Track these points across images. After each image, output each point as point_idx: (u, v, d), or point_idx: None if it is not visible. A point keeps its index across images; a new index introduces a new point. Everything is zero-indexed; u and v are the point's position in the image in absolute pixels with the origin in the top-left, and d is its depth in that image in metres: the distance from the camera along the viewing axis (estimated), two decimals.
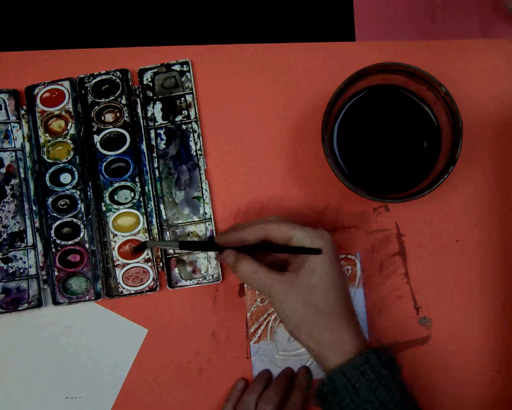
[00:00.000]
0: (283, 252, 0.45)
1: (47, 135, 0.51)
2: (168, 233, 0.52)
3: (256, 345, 0.52)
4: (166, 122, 0.52)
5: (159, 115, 0.52)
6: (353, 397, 0.40)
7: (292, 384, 0.51)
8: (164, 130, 0.52)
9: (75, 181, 0.51)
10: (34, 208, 0.52)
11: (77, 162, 0.51)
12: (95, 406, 0.52)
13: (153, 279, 0.51)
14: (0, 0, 0.54)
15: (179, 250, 0.51)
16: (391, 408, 0.40)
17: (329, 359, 0.42)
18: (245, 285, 0.52)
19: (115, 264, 0.51)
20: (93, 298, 0.51)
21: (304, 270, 0.43)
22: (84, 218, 0.51)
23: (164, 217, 0.52)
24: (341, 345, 0.42)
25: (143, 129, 0.52)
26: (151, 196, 0.52)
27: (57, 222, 0.51)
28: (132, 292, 0.51)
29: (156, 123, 0.52)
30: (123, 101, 0.51)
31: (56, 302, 0.51)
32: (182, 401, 0.52)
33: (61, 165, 0.51)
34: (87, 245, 0.51)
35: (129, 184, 0.51)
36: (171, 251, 0.52)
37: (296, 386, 0.50)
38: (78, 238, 0.51)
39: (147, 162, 0.52)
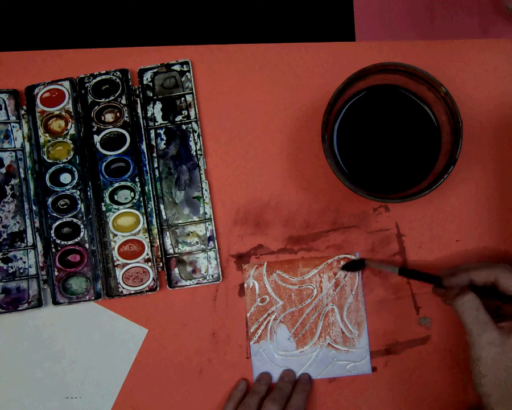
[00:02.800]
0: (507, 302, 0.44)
1: (47, 135, 0.51)
2: (168, 233, 0.52)
3: (256, 345, 0.52)
4: (166, 122, 0.52)
5: (158, 115, 0.52)
6: None
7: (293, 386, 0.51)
8: (164, 130, 0.52)
9: (75, 181, 0.51)
10: (34, 208, 0.52)
11: (77, 162, 0.51)
12: (95, 406, 0.52)
13: (153, 279, 0.51)
14: (0, 0, 0.54)
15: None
16: None
17: None
18: (245, 285, 0.52)
19: (115, 264, 0.51)
20: (93, 298, 0.51)
21: None
22: (84, 218, 0.51)
23: (164, 217, 0.52)
24: None
25: (143, 129, 0.52)
26: (151, 196, 0.52)
27: (57, 222, 0.51)
28: (132, 292, 0.51)
29: (156, 123, 0.52)
30: (123, 101, 0.51)
31: (56, 302, 0.51)
32: (182, 401, 0.52)
33: (61, 165, 0.51)
34: (87, 245, 0.51)
35: (129, 184, 0.51)
36: (171, 250, 0.52)
37: (298, 390, 0.50)
38: (78, 238, 0.51)
39: (147, 162, 0.52)
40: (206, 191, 0.52)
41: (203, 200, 0.52)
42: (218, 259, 0.52)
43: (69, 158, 0.51)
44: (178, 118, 0.52)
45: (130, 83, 0.52)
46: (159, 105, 0.53)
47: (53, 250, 0.51)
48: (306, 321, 0.52)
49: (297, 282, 0.52)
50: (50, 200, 0.51)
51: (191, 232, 0.52)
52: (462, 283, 0.44)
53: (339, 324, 0.52)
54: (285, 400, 0.49)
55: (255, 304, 0.52)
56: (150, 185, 0.52)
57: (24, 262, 0.52)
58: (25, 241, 0.52)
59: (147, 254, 0.51)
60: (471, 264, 0.46)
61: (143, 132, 0.52)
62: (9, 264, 0.52)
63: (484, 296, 0.44)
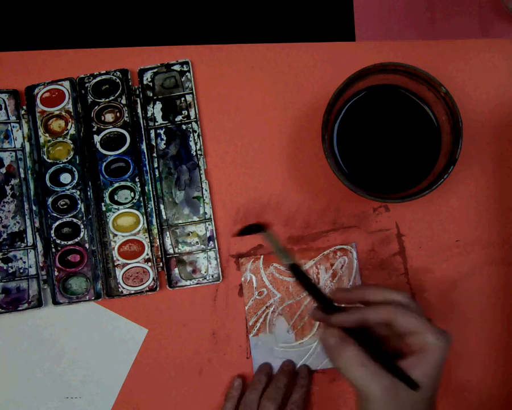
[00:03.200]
0: (388, 369, 0.38)
1: (47, 135, 0.51)
2: (168, 233, 0.52)
3: (255, 338, 0.52)
4: (166, 122, 0.52)
5: (158, 115, 0.52)
6: None
7: (293, 379, 0.51)
8: (164, 130, 0.52)
9: (75, 181, 0.51)
10: (34, 208, 0.52)
11: (77, 162, 0.51)
12: (95, 406, 0.52)
13: (153, 279, 0.51)
14: (0, 0, 0.54)
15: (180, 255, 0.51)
16: None
17: None
18: (242, 278, 0.52)
19: (115, 264, 0.51)
20: (93, 298, 0.51)
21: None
22: (84, 218, 0.51)
23: (164, 217, 0.52)
24: None
25: (143, 129, 0.52)
26: (151, 196, 0.52)
27: (57, 222, 0.51)
28: (132, 292, 0.51)
29: (156, 123, 0.52)
30: (123, 101, 0.51)
31: (56, 302, 0.51)
32: (182, 401, 0.52)
33: (61, 165, 0.51)
34: (87, 245, 0.51)
35: (129, 184, 0.51)
36: (171, 250, 0.52)
37: (298, 384, 0.50)
38: (78, 238, 0.51)
39: (147, 162, 0.52)
40: (206, 191, 0.52)
41: (203, 200, 0.52)
42: (218, 259, 0.52)
43: (69, 158, 0.51)
44: (178, 118, 0.52)
45: (130, 83, 0.52)
46: (158, 105, 0.53)
47: (53, 250, 0.51)
48: (304, 313, 0.52)
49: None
50: (50, 200, 0.51)
51: (191, 232, 0.52)
52: (352, 320, 0.39)
53: None
54: (282, 394, 0.49)
55: (252, 298, 0.52)
56: (150, 185, 0.52)
57: (24, 262, 0.52)
58: (25, 241, 0.52)
59: (147, 254, 0.51)
60: (367, 289, 0.42)
61: (143, 132, 0.52)
62: (9, 264, 0.52)
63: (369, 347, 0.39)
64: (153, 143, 0.52)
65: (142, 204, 0.51)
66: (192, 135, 0.52)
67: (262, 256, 0.52)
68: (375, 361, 0.38)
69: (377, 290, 0.41)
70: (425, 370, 0.38)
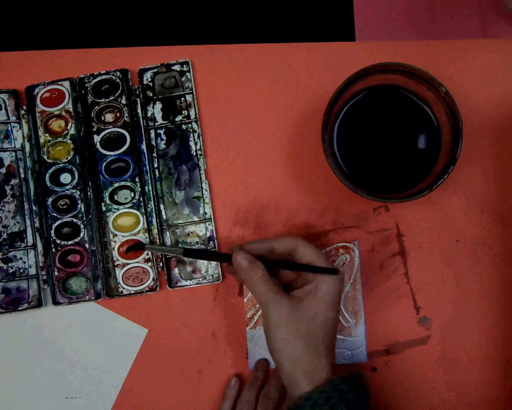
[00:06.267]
0: (303, 271, 0.46)
1: (47, 135, 0.51)
2: (168, 233, 0.52)
3: (252, 331, 0.52)
4: (166, 122, 0.52)
5: (158, 115, 0.52)
6: None
7: None
8: (164, 130, 0.52)
9: (75, 181, 0.51)
10: (34, 208, 0.52)
11: (77, 162, 0.51)
12: (95, 406, 0.52)
13: (153, 279, 0.51)
14: (0, 0, 0.54)
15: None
16: None
17: (299, 384, 0.42)
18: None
19: (115, 264, 0.51)
20: (93, 298, 0.51)
21: (309, 301, 0.44)
22: (84, 218, 0.51)
23: (164, 217, 0.52)
24: (315, 374, 0.42)
25: (143, 129, 0.52)
26: (151, 196, 0.52)
27: (57, 222, 0.51)
28: (132, 292, 0.51)
29: (156, 123, 0.52)
30: (123, 101, 0.51)
31: (56, 302, 0.51)
32: (182, 401, 0.52)
33: (61, 165, 0.51)
34: (87, 245, 0.51)
35: (129, 184, 0.51)
36: None
37: None
38: (78, 238, 0.51)
39: (147, 162, 0.52)
40: (206, 191, 0.52)
41: (203, 200, 0.52)
42: None
43: (69, 158, 0.51)
44: (178, 118, 0.52)
45: (130, 83, 0.52)
46: (159, 105, 0.53)
47: (53, 250, 0.51)
48: None
49: None
50: (50, 200, 0.51)
51: (191, 232, 0.52)
52: (263, 250, 0.46)
53: None
54: (280, 392, 0.49)
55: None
56: (150, 185, 0.52)
57: (24, 262, 0.52)
58: (25, 241, 0.52)
59: (147, 254, 0.51)
60: (272, 239, 0.47)
61: (143, 132, 0.52)
62: (9, 264, 0.52)
63: (276, 267, 0.47)
64: (153, 143, 0.52)
65: (142, 204, 0.51)
66: (192, 135, 0.52)
67: None
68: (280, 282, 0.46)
69: (280, 239, 0.47)
70: (320, 296, 0.44)
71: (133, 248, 0.50)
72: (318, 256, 0.45)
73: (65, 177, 0.52)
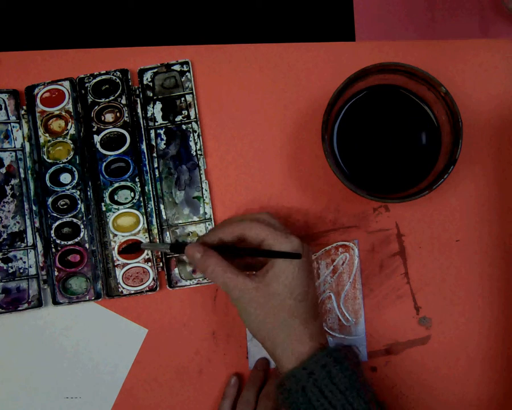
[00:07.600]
0: (259, 256, 0.44)
1: (47, 135, 0.51)
2: (168, 233, 0.52)
3: None
4: (166, 122, 0.52)
5: (158, 115, 0.52)
6: (302, 396, 0.40)
7: None
8: (164, 130, 0.52)
9: (75, 181, 0.51)
10: (34, 208, 0.52)
11: (77, 162, 0.51)
12: (95, 406, 0.52)
13: (153, 279, 0.51)
14: (0, 0, 0.54)
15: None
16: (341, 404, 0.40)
17: (282, 361, 0.42)
18: None
19: (115, 264, 0.51)
20: (93, 298, 0.51)
21: (270, 277, 0.42)
22: (84, 218, 0.51)
23: (164, 217, 0.52)
24: (296, 349, 0.42)
25: (143, 129, 0.52)
26: (151, 196, 0.52)
27: (57, 222, 0.51)
28: (132, 292, 0.51)
29: (156, 123, 0.52)
30: (123, 101, 0.51)
31: (56, 302, 0.51)
32: (182, 401, 0.52)
33: (61, 165, 0.51)
34: (87, 245, 0.51)
35: (129, 184, 0.51)
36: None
37: None
38: (78, 238, 0.51)
39: (147, 162, 0.52)
40: (206, 191, 0.52)
41: (203, 200, 0.52)
42: None
43: (69, 158, 0.51)
44: (178, 118, 0.52)
45: (130, 83, 0.52)
46: (159, 105, 0.53)
47: (53, 250, 0.51)
48: None
49: None
50: (50, 200, 0.51)
51: (191, 232, 0.52)
52: (214, 241, 0.44)
53: (336, 312, 0.52)
54: None
55: None
56: (150, 185, 0.52)
57: (24, 262, 0.52)
58: (25, 241, 0.52)
59: (147, 254, 0.51)
60: (225, 221, 0.46)
61: (143, 132, 0.52)
62: (9, 264, 0.52)
63: (232, 255, 0.44)
64: (153, 143, 0.52)
65: (142, 204, 0.51)
66: (192, 135, 0.52)
67: None
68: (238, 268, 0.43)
69: (229, 226, 0.44)
70: (278, 271, 0.42)
71: (128, 250, 0.51)
72: (265, 235, 0.42)
73: (65, 177, 0.52)
